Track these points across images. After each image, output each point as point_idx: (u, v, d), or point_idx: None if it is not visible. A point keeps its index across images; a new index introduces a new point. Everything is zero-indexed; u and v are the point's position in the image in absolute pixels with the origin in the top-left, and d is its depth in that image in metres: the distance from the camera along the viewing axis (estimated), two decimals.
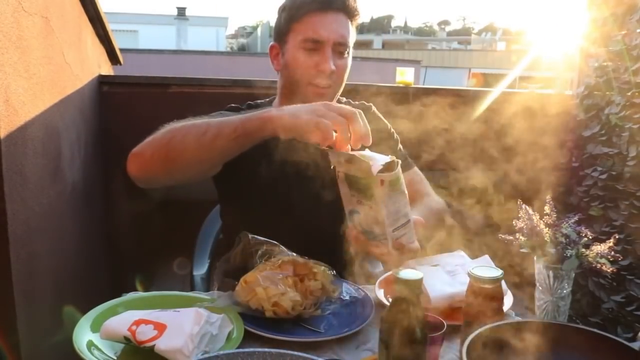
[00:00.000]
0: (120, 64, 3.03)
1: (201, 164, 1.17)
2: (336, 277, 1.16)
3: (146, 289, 1.22)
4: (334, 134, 0.97)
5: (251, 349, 0.77)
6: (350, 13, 1.35)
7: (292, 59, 1.33)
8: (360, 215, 1.03)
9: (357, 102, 1.54)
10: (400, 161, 1.01)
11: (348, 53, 1.36)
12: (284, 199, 1.37)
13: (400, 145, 1.55)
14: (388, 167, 0.97)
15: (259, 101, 1.49)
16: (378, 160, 0.95)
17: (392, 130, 1.55)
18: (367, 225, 1.03)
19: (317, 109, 1.00)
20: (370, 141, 0.99)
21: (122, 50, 3.04)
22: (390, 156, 0.99)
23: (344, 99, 1.53)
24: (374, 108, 1.55)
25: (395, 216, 1.01)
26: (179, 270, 2.00)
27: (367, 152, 0.99)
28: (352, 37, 1.38)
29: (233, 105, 1.45)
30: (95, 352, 0.90)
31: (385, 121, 1.55)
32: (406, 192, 1.02)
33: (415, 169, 1.52)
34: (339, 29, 1.32)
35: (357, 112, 1.00)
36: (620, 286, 2.42)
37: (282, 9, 1.37)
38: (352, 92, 1.45)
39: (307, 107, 1.02)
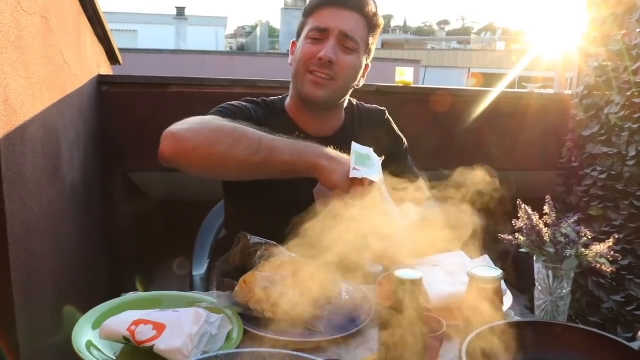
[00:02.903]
0: (120, 63, 3.03)
1: (239, 175, 1.17)
2: (336, 277, 1.15)
3: (145, 289, 1.22)
4: None
5: (250, 349, 0.77)
6: (368, 18, 1.32)
7: (300, 49, 1.33)
8: None
9: (369, 106, 1.52)
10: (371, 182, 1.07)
11: (357, 52, 1.32)
12: (288, 195, 1.36)
13: (409, 156, 1.52)
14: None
15: (273, 98, 1.47)
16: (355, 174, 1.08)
17: (404, 139, 1.52)
18: None
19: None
20: None
21: (121, 50, 3.04)
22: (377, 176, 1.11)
23: (355, 102, 1.50)
24: (387, 114, 1.52)
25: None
26: (178, 270, 2.00)
27: (367, 164, 1.11)
28: (369, 44, 1.35)
29: (249, 98, 1.42)
30: (95, 352, 0.90)
31: (397, 129, 1.52)
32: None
33: (420, 179, 1.49)
34: (348, 23, 1.29)
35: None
36: (620, 286, 2.42)
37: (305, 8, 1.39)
38: (351, 93, 1.43)
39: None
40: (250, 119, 1.32)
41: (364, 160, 1.11)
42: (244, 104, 1.37)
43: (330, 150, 1.13)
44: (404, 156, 1.51)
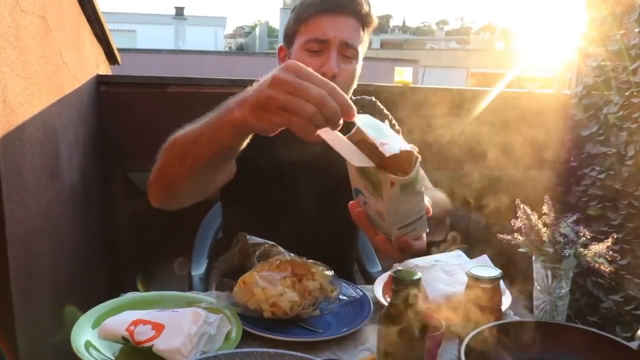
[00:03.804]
0: (119, 63, 3.02)
1: (200, 184, 1.04)
2: (334, 277, 1.16)
3: (144, 289, 1.22)
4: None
5: (249, 349, 0.77)
6: (363, 19, 1.28)
7: (297, 61, 1.29)
8: (365, 199, 0.87)
9: (357, 97, 1.51)
10: (420, 157, 0.81)
11: (356, 58, 1.29)
12: (285, 196, 1.36)
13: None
14: (407, 160, 0.81)
15: None
16: (392, 149, 0.76)
17: (395, 124, 1.48)
18: (371, 212, 0.88)
19: (276, 84, 0.76)
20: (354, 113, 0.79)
21: (120, 50, 3.04)
22: (410, 146, 0.80)
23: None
24: (378, 103, 1.49)
25: (404, 215, 0.86)
26: (177, 270, 2.00)
27: (387, 135, 0.79)
28: (363, 44, 1.31)
29: None
30: (93, 352, 0.90)
31: (388, 113, 1.50)
32: (422, 190, 0.86)
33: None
34: (347, 30, 1.25)
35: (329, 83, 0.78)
36: (619, 286, 2.42)
37: (292, 10, 1.33)
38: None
39: (264, 81, 0.79)
40: None
41: (379, 132, 0.79)
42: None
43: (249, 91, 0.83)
44: None
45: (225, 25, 27.98)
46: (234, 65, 13.62)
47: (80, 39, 2.16)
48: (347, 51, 1.26)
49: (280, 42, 1.39)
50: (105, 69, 2.78)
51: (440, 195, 1.37)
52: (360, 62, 1.33)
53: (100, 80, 2.44)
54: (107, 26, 2.59)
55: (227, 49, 28.31)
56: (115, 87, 2.49)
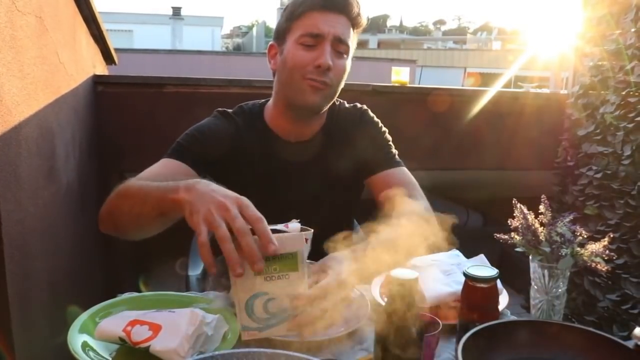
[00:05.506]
0: (115, 63, 3.02)
1: (153, 230, 1.14)
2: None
3: (141, 290, 1.22)
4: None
5: (246, 349, 0.77)
6: (353, 19, 1.32)
7: (290, 54, 1.30)
8: (269, 296, 0.92)
9: (349, 105, 1.51)
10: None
11: (348, 54, 1.33)
12: (281, 197, 1.37)
13: (392, 148, 1.47)
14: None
15: (250, 103, 1.45)
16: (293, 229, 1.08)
17: (385, 132, 1.48)
18: (279, 304, 0.92)
19: (221, 204, 0.88)
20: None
21: (117, 50, 3.03)
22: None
23: (338, 102, 1.49)
24: (365, 113, 1.49)
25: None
26: (178, 270, 1.99)
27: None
28: (353, 42, 1.35)
29: (220, 110, 1.42)
30: (90, 353, 0.90)
31: (375, 126, 1.48)
32: None
33: (403, 169, 1.42)
34: (340, 27, 1.29)
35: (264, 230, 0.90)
36: (616, 285, 2.43)
37: (284, 9, 1.36)
38: (347, 93, 1.43)
39: (215, 196, 0.89)
40: (215, 140, 1.34)
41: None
42: (212, 123, 1.38)
43: (201, 183, 0.94)
44: (385, 143, 1.46)
45: (222, 25, 27.93)
46: (231, 65, 13.60)
47: (76, 38, 2.15)
48: (340, 47, 1.30)
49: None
50: (102, 69, 2.78)
51: (417, 206, 1.27)
52: (350, 60, 1.36)
53: (97, 80, 2.44)
54: (104, 26, 2.59)
55: (224, 48, 28.25)
56: (112, 87, 2.48)
